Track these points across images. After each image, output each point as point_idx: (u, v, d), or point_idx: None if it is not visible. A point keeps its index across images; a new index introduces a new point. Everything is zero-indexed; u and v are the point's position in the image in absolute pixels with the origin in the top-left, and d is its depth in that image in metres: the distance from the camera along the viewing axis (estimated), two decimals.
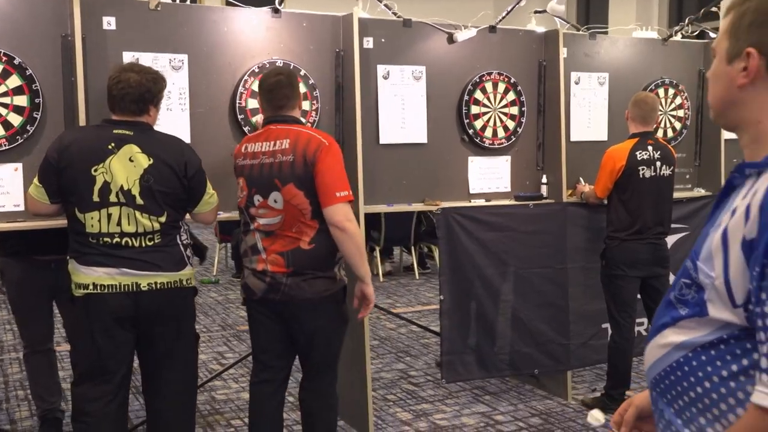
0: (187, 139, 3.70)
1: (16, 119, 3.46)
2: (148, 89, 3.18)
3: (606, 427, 1.70)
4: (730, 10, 1.41)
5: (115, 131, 3.14)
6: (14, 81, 3.43)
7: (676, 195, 5.11)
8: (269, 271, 3.25)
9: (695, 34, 5.36)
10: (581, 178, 4.82)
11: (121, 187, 3.10)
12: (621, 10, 11.29)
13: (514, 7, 4.36)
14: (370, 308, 3.40)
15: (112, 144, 3.11)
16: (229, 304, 7.61)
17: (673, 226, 4.75)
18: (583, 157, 4.82)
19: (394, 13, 4.30)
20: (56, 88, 3.54)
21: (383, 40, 4.26)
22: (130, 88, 3.14)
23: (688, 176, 5.28)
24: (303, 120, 3.37)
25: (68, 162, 3.09)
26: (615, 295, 4.47)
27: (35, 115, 3.48)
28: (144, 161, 3.13)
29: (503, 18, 4.49)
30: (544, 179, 4.72)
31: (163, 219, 3.18)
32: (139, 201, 3.12)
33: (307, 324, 3.31)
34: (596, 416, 1.71)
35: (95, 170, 3.08)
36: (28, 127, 3.48)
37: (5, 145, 3.45)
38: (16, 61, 3.43)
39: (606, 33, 5.48)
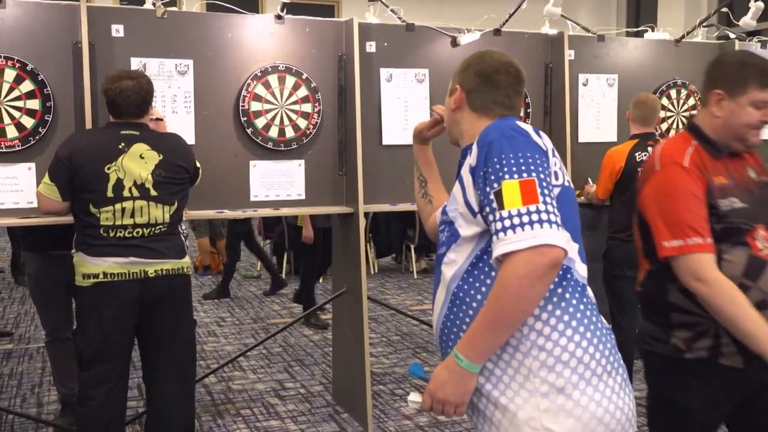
0: (191, 140, 3.93)
1: (28, 122, 3.71)
2: (147, 92, 3.45)
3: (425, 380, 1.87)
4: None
5: (122, 132, 3.39)
6: (27, 86, 3.69)
7: None
8: None
9: (715, 35, 5.33)
10: (590, 179, 4.84)
11: (134, 182, 3.34)
12: (670, 10, 11.15)
13: (516, 10, 4.42)
14: None
15: (122, 144, 3.36)
16: (265, 298, 7.83)
17: None
18: (591, 157, 4.84)
19: (400, 18, 4.42)
20: (67, 92, 3.78)
21: (386, 44, 4.38)
22: (134, 95, 3.38)
23: None
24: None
25: (82, 162, 3.32)
26: (616, 296, 4.49)
27: (47, 118, 3.74)
28: (155, 157, 3.39)
29: (507, 21, 4.55)
30: None
31: (174, 209, 3.44)
32: (153, 192, 3.37)
33: None
34: (414, 399, 1.85)
35: (108, 168, 3.32)
36: (40, 129, 3.73)
37: (19, 146, 3.71)
38: (28, 68, 3.69)
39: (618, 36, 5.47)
